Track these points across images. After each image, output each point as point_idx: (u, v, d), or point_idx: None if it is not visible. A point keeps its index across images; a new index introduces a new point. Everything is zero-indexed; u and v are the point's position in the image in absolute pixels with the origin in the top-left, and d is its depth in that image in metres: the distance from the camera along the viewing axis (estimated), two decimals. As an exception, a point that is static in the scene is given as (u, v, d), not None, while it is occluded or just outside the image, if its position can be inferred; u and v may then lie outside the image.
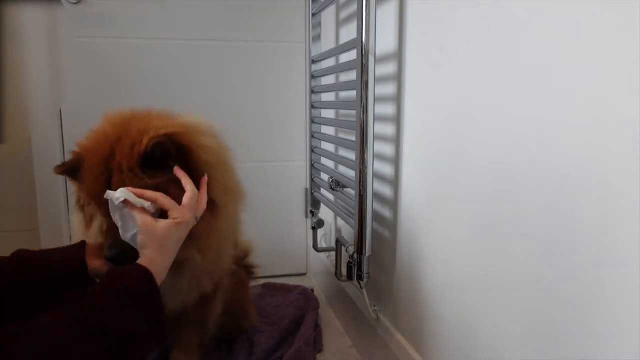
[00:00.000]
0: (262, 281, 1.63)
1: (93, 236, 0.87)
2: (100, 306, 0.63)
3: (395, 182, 1.07)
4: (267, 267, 1.56)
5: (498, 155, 0.72)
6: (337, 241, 1.24)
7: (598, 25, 0.54)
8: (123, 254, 0.78)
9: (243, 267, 1.41)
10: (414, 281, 1.01)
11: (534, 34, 0.63)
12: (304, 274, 1.90)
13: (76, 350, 0.58)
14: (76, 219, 0.94)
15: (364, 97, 1.00)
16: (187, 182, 0.82)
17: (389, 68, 1.06)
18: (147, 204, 0.77)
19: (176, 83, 1.67)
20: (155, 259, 0.73)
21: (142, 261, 0.72)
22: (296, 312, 1.46)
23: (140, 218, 0.75)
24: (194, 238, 0.84)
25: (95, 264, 0.80)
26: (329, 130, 1.50)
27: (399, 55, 1.02)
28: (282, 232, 1.86)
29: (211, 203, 0.87)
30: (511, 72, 0.68)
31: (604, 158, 0.53)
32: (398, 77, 1.03)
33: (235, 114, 1.74)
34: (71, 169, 0.84)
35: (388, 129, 1.08)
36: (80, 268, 0.78)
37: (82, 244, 0.82)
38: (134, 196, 0.77)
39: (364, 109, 1.01)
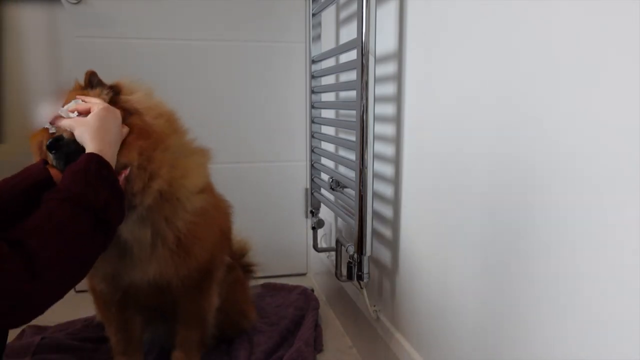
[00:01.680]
0: (262, 281, 1.63)
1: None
2: (75, 190, 0.77)
3: (395, 182, 1.07)
4: (267, 267, 1.57)
5: (499, 155, 0.72)
6: (337, 241, 1.24)
7: (599, 25, 0.54)
8: (58, 140, 0.88)
9: (241, 265, 1.41)
10: (414, 281, 1.01)
11: (534, 35, 0.63)
12: (304, 274, 1.90)
13: (73, 227, 0.73)
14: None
15: (364, 97, 1.00)
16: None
17: (389, 68, 1.06)
18: (74, 113, 0.93)
19: (176, 83, 1.67)
20: (98, 148, 0.84)
21: (91, 150, 0.84)
22: (296, 312, 1.46)
23: (71, 119, 0.90)
24: (128, 147, 0.93)
25: (54, 172, 0.89)
26: (329, 130, 1.50)
27: (399, 55, 1.02)
28: (282, 232, 1.86)
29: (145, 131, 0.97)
30: (511, 72, 0.68)
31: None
32: (398, 77, 1.03)
33: (235, 114, 1.74)
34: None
35: (388, 129, 1.08)
36: (45, 174, 0.88)
37: (42, 160, 0.92)
38: (66, 110, 0.94)
39: (364, 109, 1.01)
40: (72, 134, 0.88)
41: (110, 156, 0.86)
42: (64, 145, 0.88)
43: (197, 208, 1.01)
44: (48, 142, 0.89)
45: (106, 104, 0.94)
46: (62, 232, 0.72)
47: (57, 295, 0.72)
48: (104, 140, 0.86)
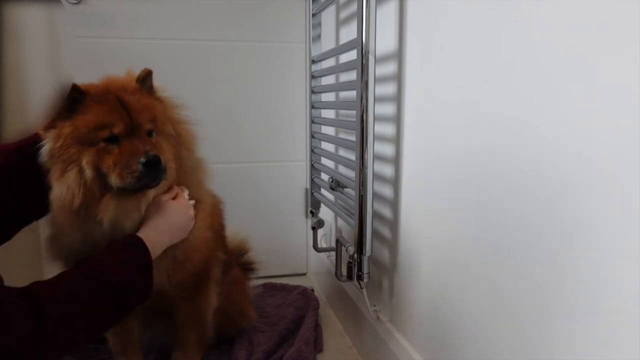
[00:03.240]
0: (262, 281, 1.63)
1: (67, 184, 0.84)
2: (105, 266, 0.79)
3: (395, 182, 1.07)
4: (267, 267, 1.57)
5: (499, 154, 0.72)
6: (337, 241, 1.24)
7: (601, 25, 0.54)
8: (159, 162, 0.86)
9: (240, 265, 1.41)
10: (414, 281, 1.01)
11: (534, 35, 0.63)
12: (304, 274, 1.90)
13: (91, 299, 0.75)
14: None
15: (364, 97, 1.00)
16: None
17: (389, 68, 1.06)
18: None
19: (176, 83, 1.65)
20: (146, 233, 0.86)
21: (139, 233, 0.86)
22: (296, 312, 1.46)
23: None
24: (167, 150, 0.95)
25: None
26: (329, 130, 1.50)
27: (399, 55, 1.02)
28: (282, 232, 1.86)
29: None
30: (511, 72, 0.68)
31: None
32: (398, 77, 1.03)
33: (235, 114, 1.74)
34: (78, 93, 0.90)
35: (388, 129, 1.08)
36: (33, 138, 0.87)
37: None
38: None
39: (364, 109, 1.01)
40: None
41: (157, 245, 0.87)
42: (161, 170, 0.87)
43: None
44: (149, 158, 0.85)
45: (187, 202, 0.96)
46: (80, 304, 0.74)
47: (59, 357, 0.74)
48: (159, 229, 0.88)
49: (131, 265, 0.82)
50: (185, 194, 0.97)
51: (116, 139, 0.86)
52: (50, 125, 0.87)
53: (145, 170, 0.84)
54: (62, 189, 0.84)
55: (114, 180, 0.84)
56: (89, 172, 0.84)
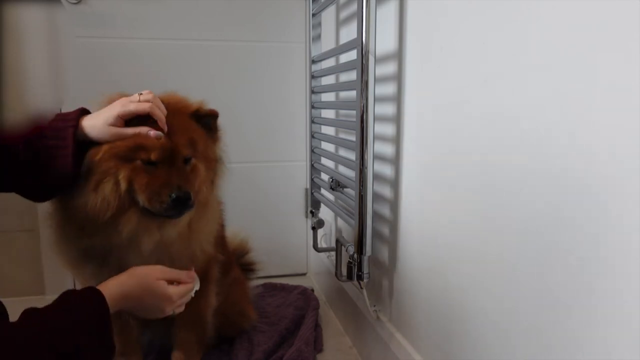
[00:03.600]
0: (262, 281, 1.63)
1: (103, 195, 0.86)
2: (52, 325, 0.69)
3: (395, 182, 1.07)
4: (267, 267, 1.57)
5: (499, 154, 0.72)
6: (337, 241, 1.24)
7: (601, 25, 0.54)
8: (189, 199, 0.86)
9: (241, 265, 1.41)
10: (414, 281, 1.01)
11: (534, 35, 0.63)
12: (304, 274, 1.90)
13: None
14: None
15: (364, 97, 1.00)
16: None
17: (389, 68, 1.06)
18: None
19: (176, 83, 1.65)
20: (116, 297, 0.78)
21: (105, 289, 0.77)
22: (296, 312, 1.46)
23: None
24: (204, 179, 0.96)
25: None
26: (329, 130, 1.50)
27: (399, 55, 1.02)
28: (282, 232, 1.86)
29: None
30: (512, 72, 0.68)
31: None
32: (398, 77, 1.03)
33: (235, 114, 1.74)
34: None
35: (388, 129, 1.08)
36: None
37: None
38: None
39: (364, 109, 1.01)
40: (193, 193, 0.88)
41: (116, 308, 0.78)
42: (189, 206, 0.88)
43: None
44: (179, 194, 0.85)
45: (182, 300, 0.89)
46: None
47: None
48: (128, 297, 0.80)
49: (85, 328, 0.72)
50: (195, 288, 0.92)
51: (153, 162, 0.88)
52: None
53: (173, 205, 0.86)
54: (98, 199, 0.86)
55: (141, 200, 0.87)
56: (123, 186, 0.86)
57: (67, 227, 0.93)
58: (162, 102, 0.92)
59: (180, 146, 0.89)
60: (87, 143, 0.86)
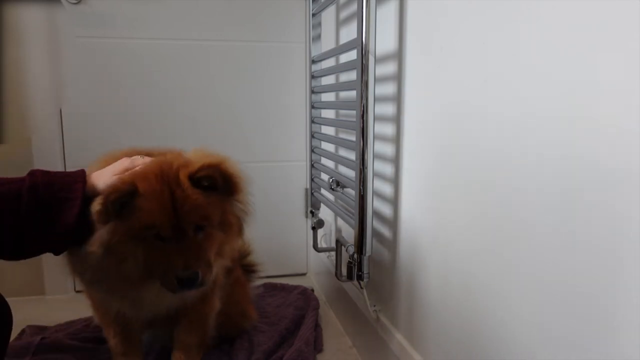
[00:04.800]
0: (262, 281, 1.63)
1: (122, 275, 0.90)
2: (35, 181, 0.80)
3: (395, 182, 1.07)
4: (267, 267, 1.56)
5: (499, 154, 0.72)
6: (337, 241, 1.24)
7: (601, 25, 0.54)
8: (196, 280, 0.86)
9: (242, 266, 1.41)
10: (414, 281, 1.01)
11: (535, 35, 0.63)
12: (304, 274, 1.90)
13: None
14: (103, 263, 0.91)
15: (364, 97, 1.00)
16: None
17: (389, 68, 1.06)
18: None
19: (176, 83, 1.67)
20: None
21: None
22: (296, 312, 1.46)
23: None
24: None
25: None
26: (329, 130, 1.50)
27: (399, 55, 1.02)
28: (282, 232, 1.86)
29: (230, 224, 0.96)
30: (512, 72, 0.68)
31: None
32: (398, 77, 1.03)
33: (235, 114, 1.74)
34: (126, 195, 0.83)
35: (388, 129, 1.08)
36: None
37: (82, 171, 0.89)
38: None
39: (364, 109, 1.01)
40: (204, 274, 0.87)
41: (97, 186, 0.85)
42: (197, 285, 0.87)
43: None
44: (184, 276, 0.85)
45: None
46: None
47: None
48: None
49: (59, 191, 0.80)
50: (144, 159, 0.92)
51: (163, 238, 0.86)
52: (104, 219, 0.84)
53: (180, 286, 0.86)
54: (120, 276, 0.89)
55: (159, 281, 0.89)
56: (142, 263, 0.87)
57: (84, 274, 0.96)
58: (170, 176, 0.87)
59: (189, 221, 0.86)
60: (90, 199, 0.84)
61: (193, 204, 0.86)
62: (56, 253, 0.89)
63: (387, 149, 1.09)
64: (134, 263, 0.87)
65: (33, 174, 0.84)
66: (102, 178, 0.86)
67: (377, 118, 1.06)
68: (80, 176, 0.86)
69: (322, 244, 1.61)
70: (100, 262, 0.86)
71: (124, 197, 0.82)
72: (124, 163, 0.88)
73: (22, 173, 0.85)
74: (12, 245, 0.82)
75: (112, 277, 0.90)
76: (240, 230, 1.00)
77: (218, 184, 0.89)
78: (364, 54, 0.99)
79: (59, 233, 0.83)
